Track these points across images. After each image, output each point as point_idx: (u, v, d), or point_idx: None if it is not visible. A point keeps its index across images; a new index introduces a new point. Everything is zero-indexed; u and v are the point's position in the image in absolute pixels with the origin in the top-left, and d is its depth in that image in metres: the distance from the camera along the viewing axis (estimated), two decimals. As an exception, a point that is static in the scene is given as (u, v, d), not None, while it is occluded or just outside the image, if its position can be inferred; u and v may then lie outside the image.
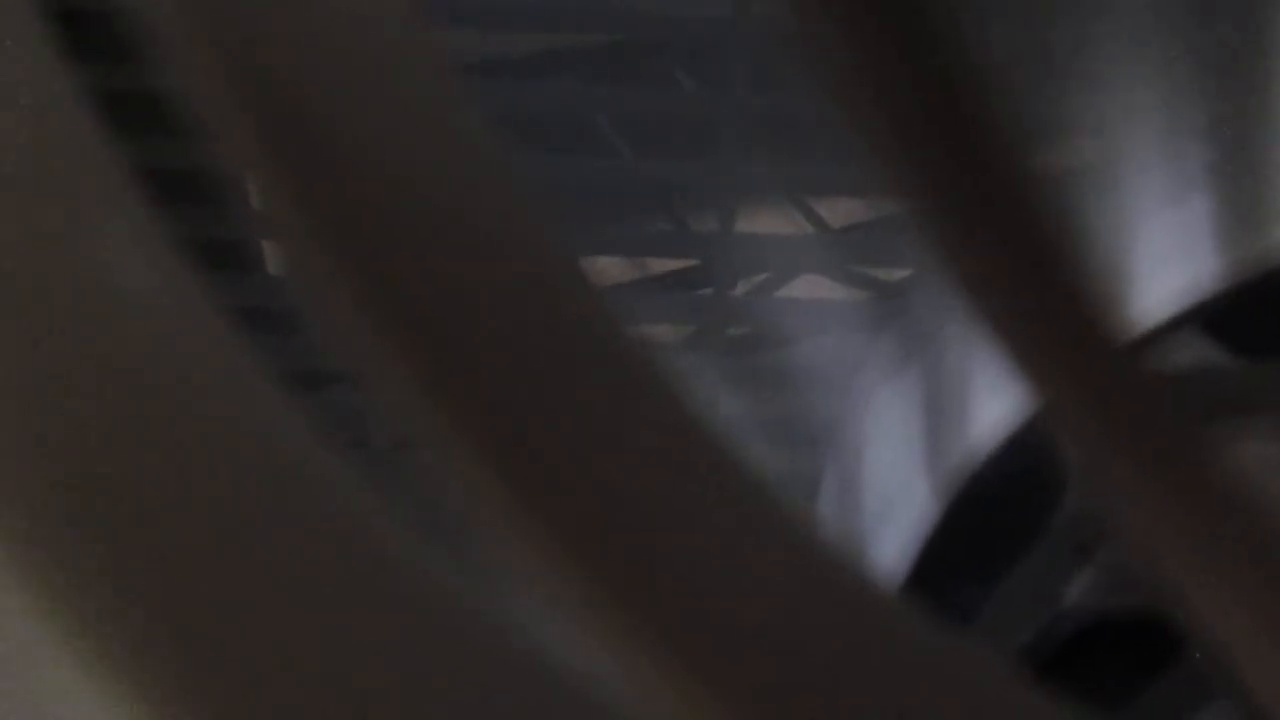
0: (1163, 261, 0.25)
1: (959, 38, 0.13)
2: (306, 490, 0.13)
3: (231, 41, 0.13)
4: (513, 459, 0.13)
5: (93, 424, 0.13)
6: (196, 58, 0.13)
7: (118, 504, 0.13)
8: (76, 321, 0.13)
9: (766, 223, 0.48)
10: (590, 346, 0.13)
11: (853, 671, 0.13)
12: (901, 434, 0.28)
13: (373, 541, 0.13)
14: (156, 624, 0.13)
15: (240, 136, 0.13)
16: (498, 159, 0.13)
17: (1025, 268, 0.14)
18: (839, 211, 0.48)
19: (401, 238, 0.13)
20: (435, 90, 0.13)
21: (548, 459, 0.13)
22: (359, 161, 0.13)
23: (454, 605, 0.13)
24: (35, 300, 0.13)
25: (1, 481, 0.13)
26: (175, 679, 0.13)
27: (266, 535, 0.13)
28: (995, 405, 0.26)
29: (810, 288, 0.47)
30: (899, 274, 0.46)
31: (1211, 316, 0.25)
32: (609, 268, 0.48)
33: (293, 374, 0.14)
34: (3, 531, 0.13)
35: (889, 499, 0.28)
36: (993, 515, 0.26)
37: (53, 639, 0.13)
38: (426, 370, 0.13)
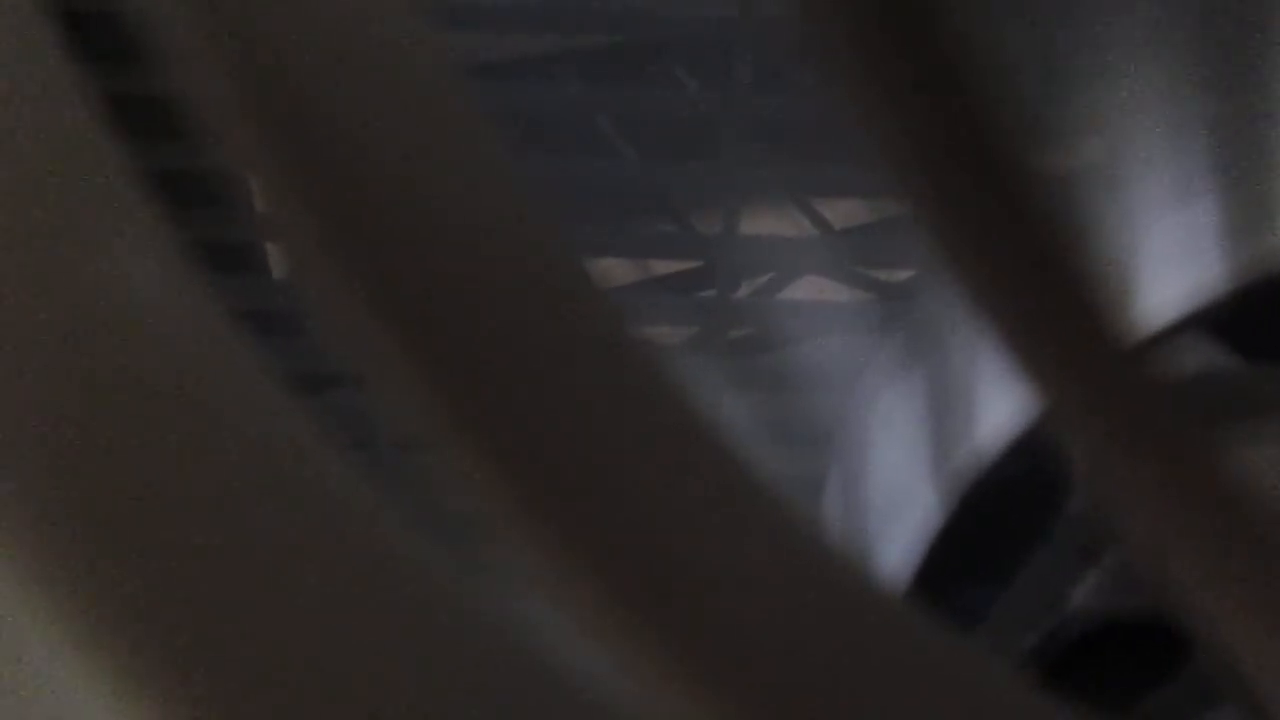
0: (1167, 263, 0.25)
1: (963, 37, 0.13)
2: (309, 491, 0.13)
3: (234, 43, 0.13)
4: (514, 459, 0.13)
5: (95, 425, 0.13)
6: (199, 59, 0.13)
7: (119, 504, 0.13)
8: (80, 323, 0.13)
9: (770, 224, 0.48)
10: (592, 347, 0.13)
11: (853, 672, 0.13)
12: (906, 436, 0.28)
13: (373, 541, 0.13)
14: (156, 624, 0.13)
15: (242, 138, 0.13)
16: (499, 160, 0.13)
17: (1029, 269, 0.14)
18: (842, 213, 0.48)
19: (402, 238, 0.13)
20: (437, 91, 0.13)
21: (549, 459, 0.13)
22: (360, 162, 0.13)
23: (454, 605, 0.13)
24: (38, 301, 0.13)
25: (2, 481, 0.13)
26: (175, 679, 0.13)
27: (266, 535, 0.13)
28: (1000, 407, 0.26)
29: (814, 289, 0.47)
30: (903, 275, 0.46)
31: (1217, 319, 0.25)
32: (611, 269, 0.48)
33: (296, 376, 0.14)
34: (3, 531, 0.13)
35: (894, 501, 0.27)
36: (998, 518, 0.26)
37: (52, 639, 0.13)
38: (428, 371, 0.13)
